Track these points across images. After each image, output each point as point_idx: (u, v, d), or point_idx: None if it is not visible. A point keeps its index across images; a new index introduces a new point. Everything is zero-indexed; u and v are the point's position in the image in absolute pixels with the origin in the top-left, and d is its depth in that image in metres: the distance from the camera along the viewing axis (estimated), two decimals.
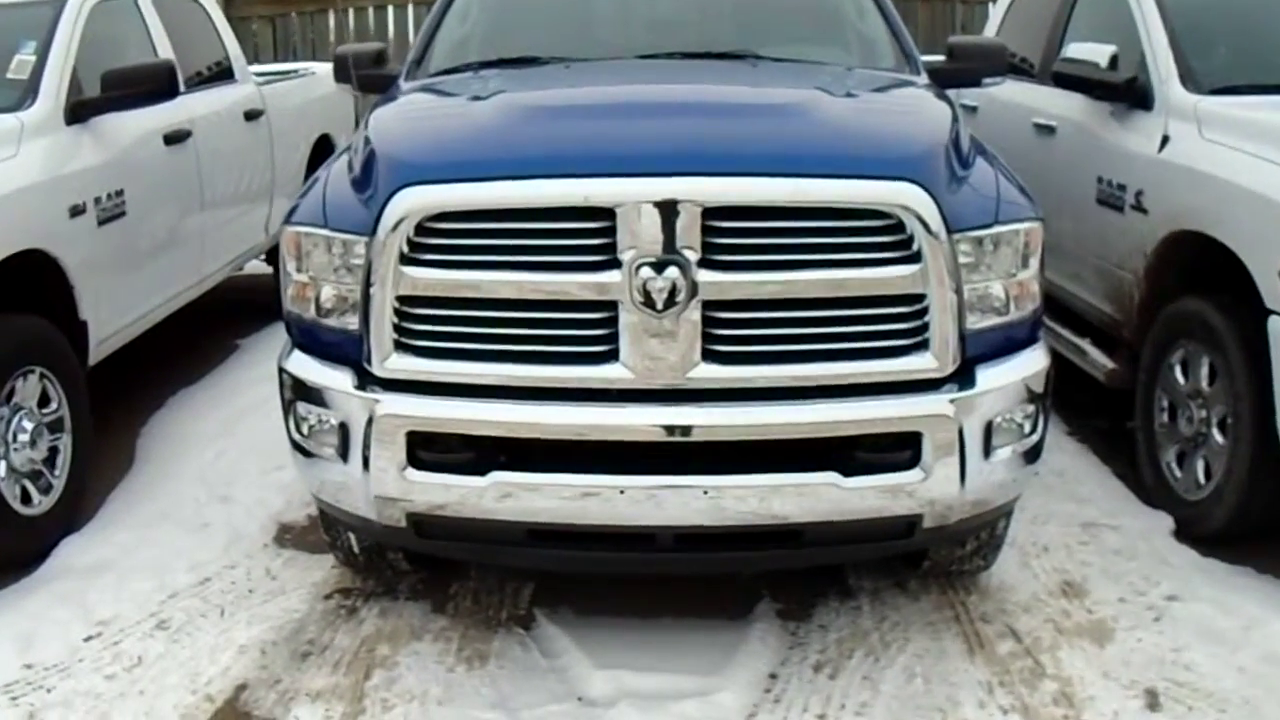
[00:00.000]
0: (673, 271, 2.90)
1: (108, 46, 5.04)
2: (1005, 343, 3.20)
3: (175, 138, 5.38)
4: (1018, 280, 3.17)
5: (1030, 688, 3.24)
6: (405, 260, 3.01)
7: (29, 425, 4.12)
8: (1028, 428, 3.23)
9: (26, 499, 4.12)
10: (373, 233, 3.04)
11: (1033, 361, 3.25)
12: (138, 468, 4.91)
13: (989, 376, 3.12)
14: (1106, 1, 5.15)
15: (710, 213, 2.91)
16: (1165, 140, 4.38)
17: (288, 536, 4.20)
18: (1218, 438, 4.04)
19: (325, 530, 3.72)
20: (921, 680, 3.28)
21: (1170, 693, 3.22)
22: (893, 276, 2.97)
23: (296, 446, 3.32)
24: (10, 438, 4.05)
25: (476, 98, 3.54)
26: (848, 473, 2.99)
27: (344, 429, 3.13)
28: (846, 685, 3.26)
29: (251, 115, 6.44)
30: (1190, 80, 4.48)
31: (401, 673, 3.34)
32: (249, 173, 6.34)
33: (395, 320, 3.05)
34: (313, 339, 3.27)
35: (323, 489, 3.33)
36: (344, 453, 3.15)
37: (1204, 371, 4.12)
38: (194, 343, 6.35)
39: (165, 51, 5.55)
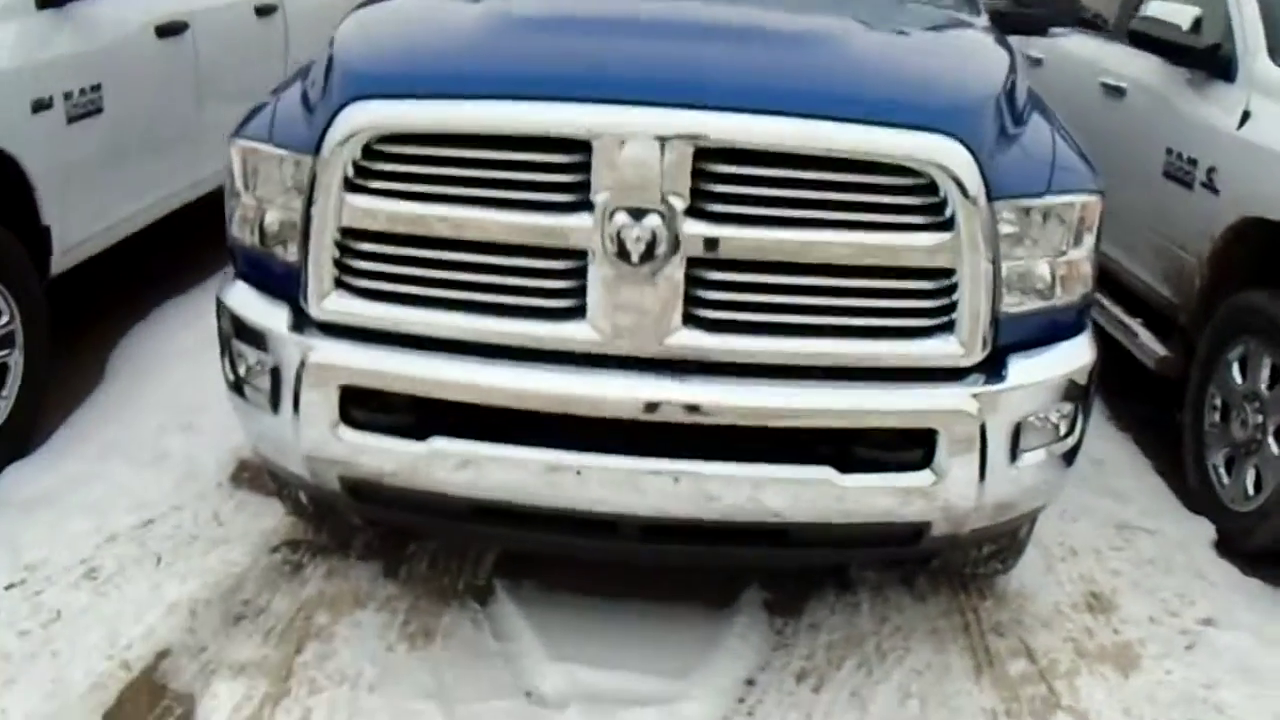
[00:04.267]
0: (653, 220, 2.46)
1: None
2: (1046, 330, 2.76)
3: (169, 30, 4.96)
4: (1067, 260, 2.72)
5: None
6: (350, 186, 2.60)
7: None
8: (1064, 429, 2.79)
9: None
10: (317, 151, 2.62)
11: (1077, 354, 2.81)
12: (104, 386, 4.56)
13: (1023, 369, 2.68)
14: None
15: (704, 154, 2.46)
16: (1246, 116, 3.94)
17: (245, 475, 3.84)
18: (1273, 447, 3.64)
19: (271, 477, 3.36)
20: (918, 702, 2.91)
21: None
22: (919, 245, 2.52)
23: (232, 388, 2.95)
24: None
25: (467, 2, 3.11)
26: (846, 469, 2.57)
27: (275, 375, 2.74)
28: (831, 702, 2.89)
29: (264, 10, 6.02)
30: (1279, 54, 4.01)
31: (337, 647, 3.00)
32: (256, 72, 5.88)
33: (336, 254, 2.64)
34: (254, 269, 2.88)
35: (258, 440, 2.97)
36: (275, 402, 2.76)
37: (1264, 373, 3.71)
38: (186, 251, 5.97)
39: None
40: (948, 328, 2.59)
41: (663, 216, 2.46)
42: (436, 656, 2.99)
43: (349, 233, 2.64)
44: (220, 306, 2.94)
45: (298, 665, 2.93)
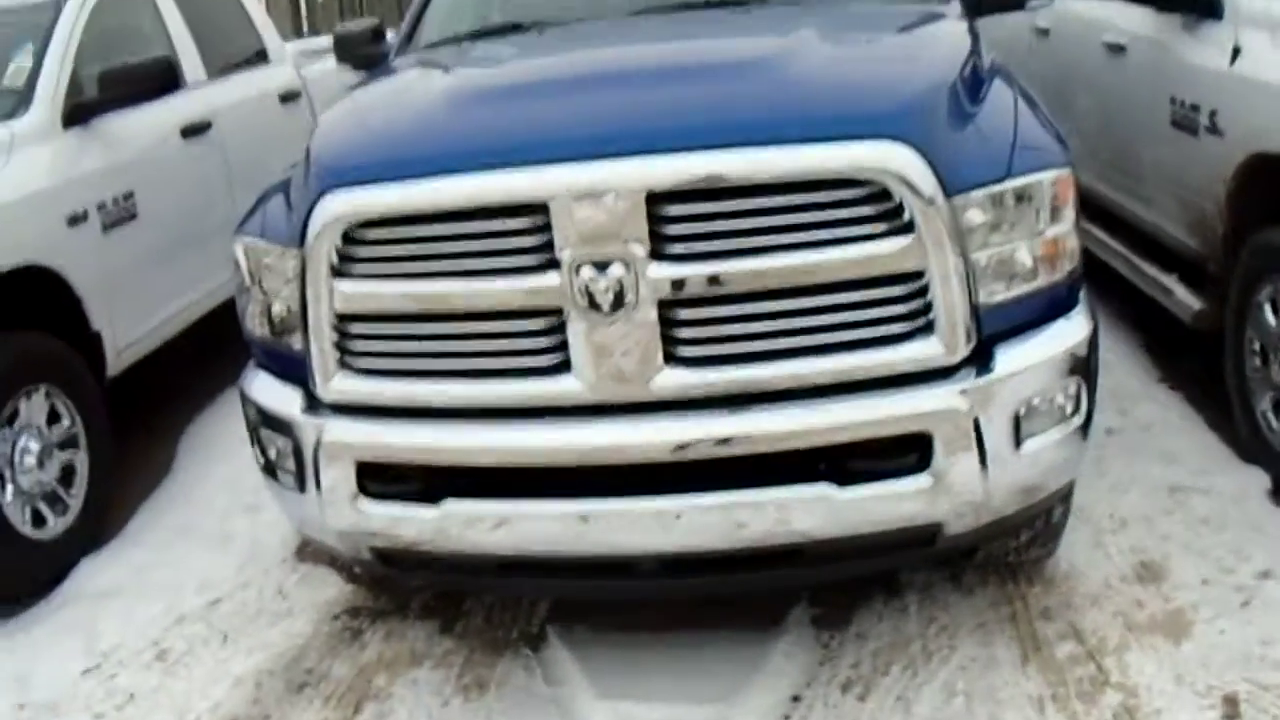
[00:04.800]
0: (617, 269, 2.51)
1: (117, 42, 4.89)
2: (1036, 312, 2.74)
3: (194, 130, 5.20)
4: (1047, 238, 2.70)
5: (1088, 702, 2.84)
6: (336, 273, 2.71)
7: (35, 446, 3.99)
8: (1069, 407, 2.76)
9: (40, 521, 4.00)
10: (301, 243, 2.75)
11: (1071, 330, 2.78)
12: (172, 476, 4.78)
13: (1013, 357, 2.66)
14: None
15: (656, 198, 2.51)
16: (1236, 52, 3.84)
17: (307, 549, 3.98)
18: None
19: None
20: (963, 698, 2.90)
21: (1254, 699, 2.80)
22: (881, 253, 2.53)
23: (264, 472, 3.08)
24: (16, 460, 3.92)
25: (429, 81, 3.21)
26: (844, 482, 2.59)
27: (298, 456, 2.87)
28: (876, 708, 2.90)
29: (288, 97, 6.23)
30: None
31: (394, 706, 3.11)
32: (286, 159, 6.11)
33: (335, 338, 2.76)
34: (268, 358, 3.03)
35: (294, 519, 3.11)
36: (301, 482, 2.89)
37: None
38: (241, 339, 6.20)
39: (183, 41, 5.39)
40: (927, 329, 2.58)
41: (626, 265, 2.52)
42: (490, 706, 3.07)
43: (343, 316, 2.75)
44: (244, 397, 3.09)
45: None
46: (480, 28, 4.05)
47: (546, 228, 2.55)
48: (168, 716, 3.18)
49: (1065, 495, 3.12)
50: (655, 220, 2.52)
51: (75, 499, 4.16)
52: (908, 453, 2.60)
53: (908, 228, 2.52)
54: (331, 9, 11.20)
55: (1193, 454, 4.01)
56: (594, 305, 2.54)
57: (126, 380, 4.73)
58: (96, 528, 4.24)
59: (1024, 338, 2.72)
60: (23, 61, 4.48)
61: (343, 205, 2.69)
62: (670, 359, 2.59)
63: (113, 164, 4.56)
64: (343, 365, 2.79)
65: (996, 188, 2.63)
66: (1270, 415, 3.81)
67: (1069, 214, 2.77)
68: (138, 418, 5.09)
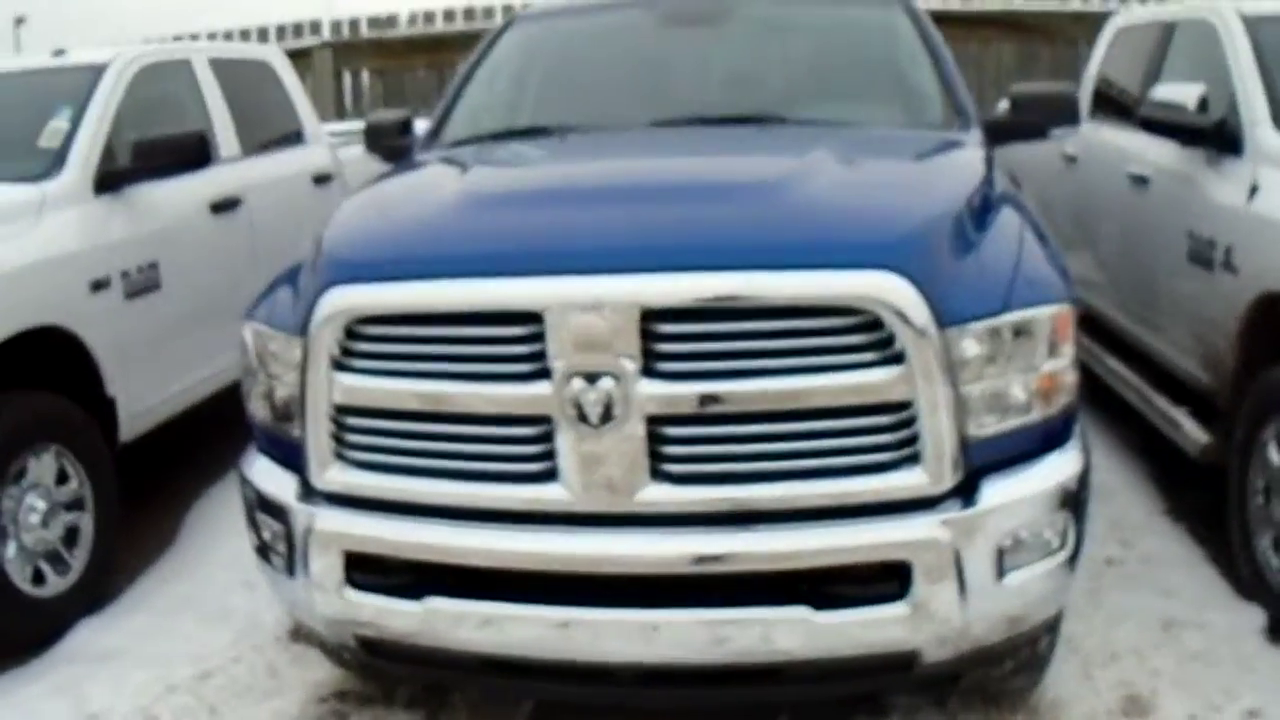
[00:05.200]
0: (607, 383, 2.53)
1: (155, 113, 5.01)
2: (1028, 445, 2.74)
3: (224, 205, 5.31)
4: (1043, 373, 2.70)
5: None
6: (337, 365, 2.76)
7: (41, 505, 4.04)
8: (1056, 541, 2.75)
9: (40, 580, 4.04)
10: (304, 333, 2.81)
11: (1062, 466, 2.77)
12: (176, 547, 4.81)
13: (999, 491, 2.65)
14: (1200, 37, 4.69)
15: (650, 314, 2.53)
16: (1254, 190, 3.90)
17: (302, 630, 3.99)
18: None
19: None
20: None
21: None
22: (870, 382, 2.53)
23: (257, 553, 3.12)
24: (21, 518, 3.97)
25: (443, 181, 3.30)
26: (823, 605, 2.58)
27: (290, 542, 2.90)
28: None
29: (321, 179, 6.36)
30: None
31: None
32: None
33: (332, 429, 2.80)
34: (268, 442, 3.08)
35: (284, 602, 3.14)
36: (291, 567, 2.92)
37: None
38: None
39: (220, 117, 5.52)
40: (913, 459, 2.57)
41: (617, 379, 2.54)
42: None
43: (341, 408, 2.78)
44: (242, 479, 3.13)
45: None
46: (505, 128, 4.15)
47: (541, 337, 2.58)
48: None
49: (1052, 626, 3.09)
50: (648, 337, 2.54)
51: (78, 560, 4.19)
52: (888, 580, 2.59)
53: (898, 358, 2.53)
54: (377, 92, 11.41)
55: (1191, 588, 3.99)
56: (583, 417, 2.56)
57: (141, 448, 4.79)
58: (97, 590, 4.26)
59: (1013, 471, 2.71)
60: (60, 123, 4.59)
61: (346, 301, 2.74)
62: (657, 474, 2.60)
63: (140, 233, 4.66)
64: (338, 456, 2.82)
65: (992, 321, 2.63)
66: (1270, 553, 3.79)
67: (1067, 350, 2.77)
68: (149, 486, 5.14)
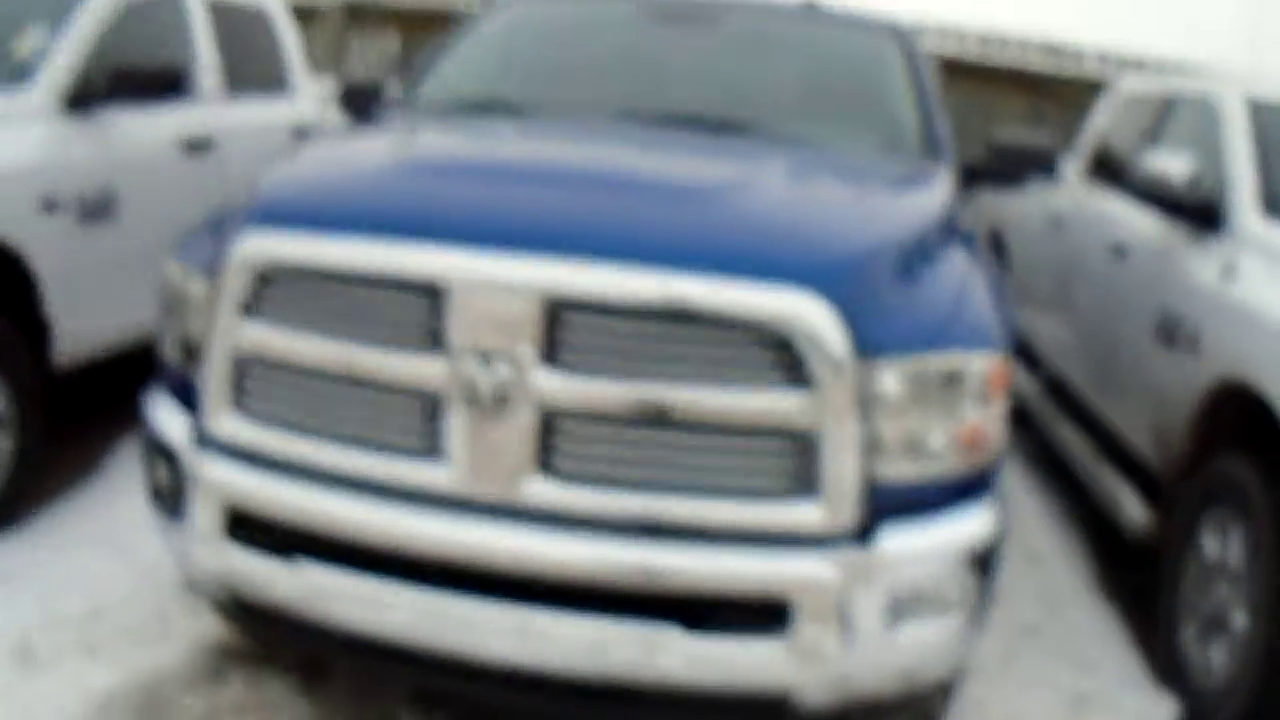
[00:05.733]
0: (502, 367, 2.44)
1: (138, 43, 4.89)
2: (939, 497, 2.62)
3: (196, 145, 5.22)
4: (966, 423, 2.58)
5: None
6: (242, 312, 2.67)
7: None
8: (957, 598, 2.63)
9: None
10: (217, 275, 2.72)
11: (974, 523, 2.65)
12: (97, 480, 4.69)
13: (901, 538, 2.54)
14: (1202, 113, 4.63)
15: (558, 303, 2.44)
16: (1230, 271, 3.82)
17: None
18: (1242, 623, 3.44)
19: None
20: None
21: None
22: (775, 405, 2.40)
23: (148, 494, 3.02)
24: None
25: (385, 143, 3.22)
26: (696, 628, 2.46)
27: (177, 486, 2.81)
28: None
29: (301, 133, 6.27)
30: (1276, 208, 3.92)
31: None
32: None
33: (230, 376, 2.71)
34: (171, 381, 2.99)
35: (166, 546, 3.03)
36: (175, 511, 2.84)
37: (1235, 542, 3.53)
38: None
39: (207, 55, 5.43)
40: (810, 491, 2.45)
41: (513, 363, 2.44)
42: None
43: (242, 357, 2.69)
44: (141, 418, 3.04)
45: None
46: (473, 100, 4.07)
47: (442, 309, 2.49)
48: (9, 717, 3.08)
49: (946, 687, 2.99)
50: (552, 325, 2.45)
51: None
52: (766, 613, 2.47)
53: (807, 383, 2.41)
54: (392, 55, 11.34)
55: (1110, 666, 3.91)
56: (474, 399, 2.47)
57: (81, 383, 4.68)
58: (8, 511, 4.17)
59: (921, 519, 2.59)
60: (37, 36, 4.49)
61: (258, 247, 2.66)
62: (545, 468, 2.50)
63: (100, 159, 4.55)
64: (234, 405, 2.73)
65: (917, 359, 2.52)
66: (1192, 644, 3.71)
67: (998, 402, 2.67)
68: (87, 419, 5.04)
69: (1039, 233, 6.05)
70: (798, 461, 2.46)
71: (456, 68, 4.34)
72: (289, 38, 6.40)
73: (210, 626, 3.60)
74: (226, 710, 3.19)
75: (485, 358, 2.44)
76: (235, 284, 2.66)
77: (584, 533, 2.49)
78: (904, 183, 3.48)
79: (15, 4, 4.71)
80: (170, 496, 2.86)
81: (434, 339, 2.50)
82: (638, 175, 3.07)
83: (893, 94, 4.16)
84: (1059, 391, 5.52)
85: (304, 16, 9.52)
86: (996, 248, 6.86)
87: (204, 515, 2.74)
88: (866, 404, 2.46)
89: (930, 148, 3.91)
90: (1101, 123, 5.99)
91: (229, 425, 2.73)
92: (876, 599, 2.51)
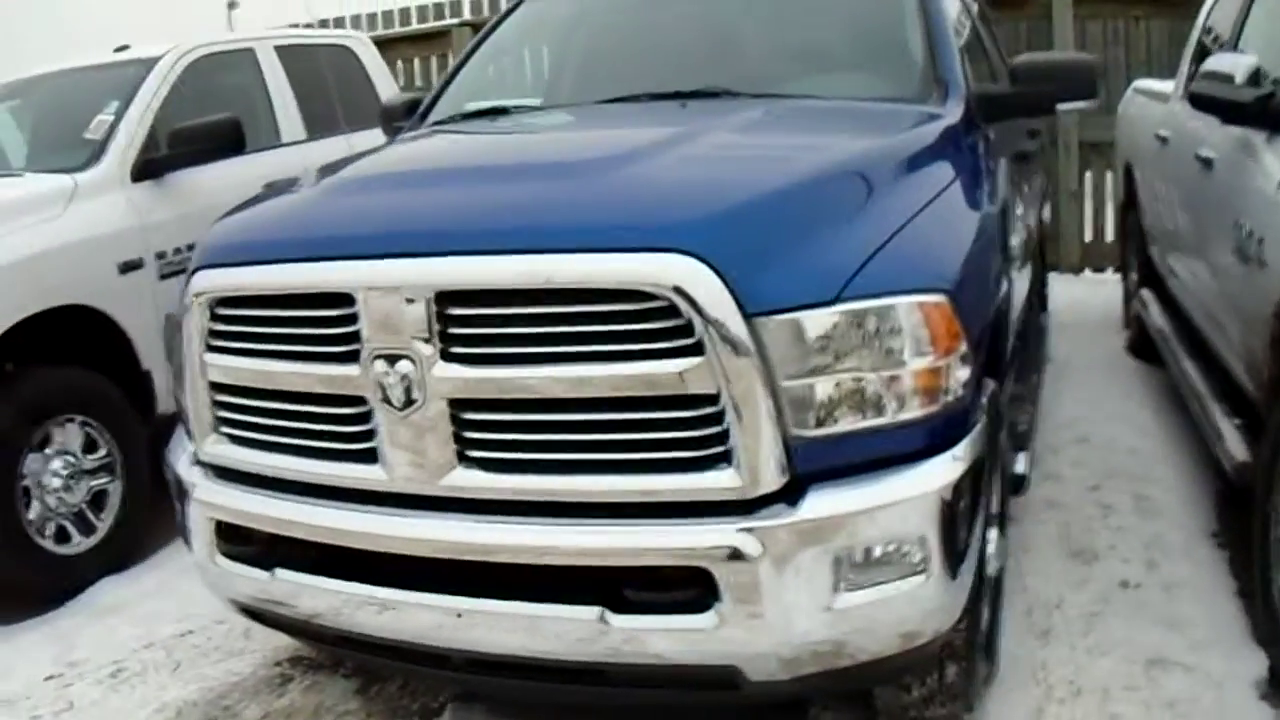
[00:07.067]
0: (405, 365, 2.54)
1: (211, 101, 5.23)
2: (886, 450, 2.48)
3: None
4: (906, 370, 2.43)
5: None
6: (206, 344, 2.90)
7: (63, 470, 4.34)
8: (917, 557, 2.47)
9: (64, 538, 4.35)
10: (183, 315, 2.97)
11: (930, 476, 2.49)
12: None
13: (834, 498, 2.41)
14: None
15: (445, 298, 2.51)
16: None
17: None
18: None
19: None
20: None
21: None
22: (669, 371, 2.36)
23: (179, 528, 3.26)
24: (44, 481, 4.29)
25: (345, 166, 3.36)
26: (620, 609, 2.46)
27: (184, 511, 3.09)
28: None
29: None
30: None
31: None
32: None
33: (208, 403, 2.95)
34: (181, 417, 3.23)
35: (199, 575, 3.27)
36: (186, 535, 3.13)
37: None
38: None
39: (285, 102, 5.71)
40: (724, 458, 2.39)
41: (414, 362, 2.53)
42: None
43: (212, 384, 2.92)
44: (163, 456, 3.32)
45: None
46: (474, 109, 4.15)
47: (354, 319, 2.61)
48: None
49: (961, 654, 2.84)
50: (445, 320, 2.52)
51: (104, 522, 4.51)
52: (691, 588, 2.42)
53: (698, 347, 2.37)
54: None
55: (1202, 625, 3.57)
56: (387, 399, 2.58)
57: None
58: (123, 551, 4.56)
59: (865, 478, 2.47)
60: (105, 116, 4.88)
61: (204, 282, 2.89)
62: (464, 459, 2.57)
63: (176, 217, 4.88)
64: (215, 429, 2.96)
65: (824, 310, 2.40)
66: None
67: (950, 345, 2.50)
68: None
69: (1150, 161, 5.62)
70: (706, 428, 2.40)
71: (467, 79, 4.44)
72: (379, 70, 6.63)
73: (287, 641, 3.81)
74: (280, 714, 3.43)
75: (390, 360, 2.56)
76: (195, 319, 2.89)
77: (505, 519, 2.54)
78: (876, 125, 3.32)
79: (92, 91, 5.12)
80: (182, 522, 3.14)
81: (350, 348, 2.64)
82: (542, 161, 3.13)
83: (898, 33, 3.93)
84: (1184, 325, 5.11)
85: (433, 38, 9.82)
86: (1127, 186, 6.41)
87: (201, 534, 3.01)
88: (774, 361, 2.37)
89: (938, 84, 3.69)
90: (1203, 23, 5.49)
91: (211, 448, 2.98)
92: (814, 564, 2.41)
